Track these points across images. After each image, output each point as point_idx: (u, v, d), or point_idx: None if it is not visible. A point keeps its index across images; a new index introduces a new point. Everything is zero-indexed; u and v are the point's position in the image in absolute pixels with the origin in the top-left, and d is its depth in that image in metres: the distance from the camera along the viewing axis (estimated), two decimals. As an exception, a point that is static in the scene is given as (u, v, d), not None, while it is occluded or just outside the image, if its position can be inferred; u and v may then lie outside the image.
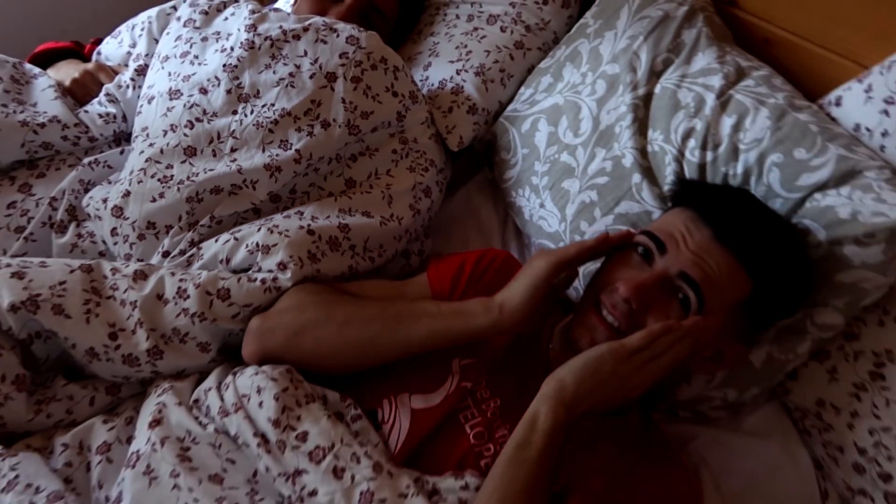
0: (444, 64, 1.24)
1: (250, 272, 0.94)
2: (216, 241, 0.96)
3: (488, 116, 1.22)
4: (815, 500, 0.91)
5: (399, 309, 0.87)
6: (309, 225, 0.96)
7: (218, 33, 1.15)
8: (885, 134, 0.93)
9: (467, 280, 0.96)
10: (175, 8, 1.23)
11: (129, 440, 0.84)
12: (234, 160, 1.02)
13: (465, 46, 1.25)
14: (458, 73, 1.22)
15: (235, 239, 0.95)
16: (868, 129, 0.95)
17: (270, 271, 0.92)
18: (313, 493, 0.73)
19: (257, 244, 0.93)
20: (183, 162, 1.02)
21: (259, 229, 0.95)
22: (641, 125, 1.05)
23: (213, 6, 1.18)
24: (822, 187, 0.89)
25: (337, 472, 0.73)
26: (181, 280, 0.91)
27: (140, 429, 0.83)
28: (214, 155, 1.03)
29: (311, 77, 1.08)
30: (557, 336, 0.92)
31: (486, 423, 0.84)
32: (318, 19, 1.13)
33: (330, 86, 1.08)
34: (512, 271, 0.92)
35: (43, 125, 1.09)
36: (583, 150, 1.08)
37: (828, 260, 0.86)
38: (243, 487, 0.77)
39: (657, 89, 1.06)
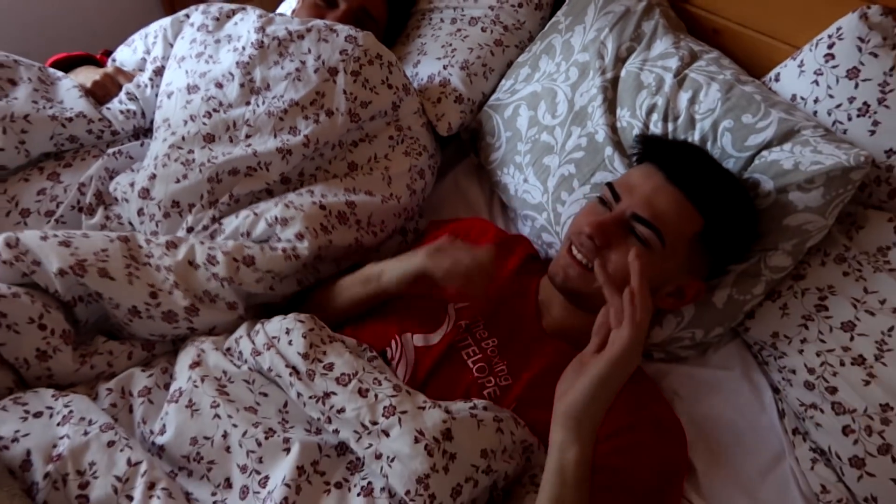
0: (431, 61, 1.37)
1: (270, 242, 1.05)
2: (236, 216, 1.07)
3: (473, 106, 1.35)
4: (773, 418, 1.04)
5: (342, 282, 1.06)
6: (320, 201, 1.07)
7: (229, 36, 1.26)
8: (816, 101, 1.08)
9: None
10: (188, 16, 1.35)
11: (167, 386, 0.94)
12: (250, 145, 1.13)
13: (450, 45, 1.38)
14: (444, 68, 1.35)
15: (255, 214, 1.05)
16: (802, 98, 1.10)
17: (289, 241, 1.03)
18: (341, 410, 0.83)
19: (276, 217, 1.04)
20: (203, 147, 1.13)
21: (276, 204, 1.06)
22: (611, 104, 1.19)
23: (224, 13, 1.30)
24: (767, 146, 1.03)
25: (362, 392, 0.84)
26: (210, 248, 1.01)
27: (180, 370, 0.92)
28: (231, 141, 1.15)
29: (315, 71, 1.20)
30: (544, 286, 1.05)
31: (486, 359, 0.96)
32: (319, 21, 1.26)
33: (332, 79, 1.20)
34: (488, 234, 1.10)
35: (70, 119, 1.19)
36: (560, 129, 1.22)
37: (776, 207, 0.99)
38: (275, 417, 0.87)
39: (623, 73, 1.20)
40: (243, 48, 1.22)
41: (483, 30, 1.40)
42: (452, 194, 1.37)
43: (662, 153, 0.98)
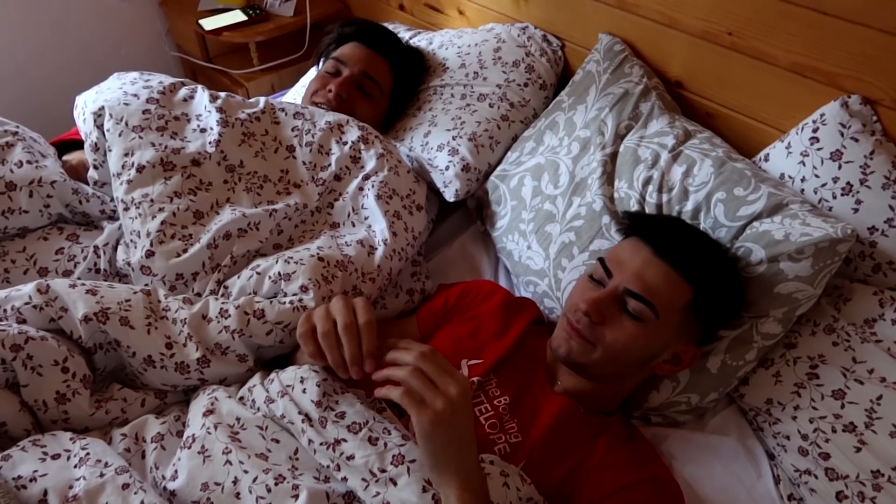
0: (441, 132, 1.46)
1: (278, 297, 1.09)
2: (238, 277, 1.11)
3: (479, 175, 1.42)
4: (769, 484, 1.06)
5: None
6: (318, 253, 1.12)
7: (186, 114, 1.28)
8: (803, 179, 1.16)
9: (449, 311, 1.18)
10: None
11: (179, 434, 0.96)
12: (235, 209, 1.19)
13: (460, 118, 1.47)
14: (453, 138, 1.43)
15: (258, 273, 1.10)
16: (791, 177, 1.17)
17: (295, 294, 1.08)
18: (351, 457, 0.86)
19: (279, 274, 1.08)
20: (194, 223, 1.17)
21: (277, 261, 1.10)
22: (609, 177, 1.26)
23: (167, 86, 1.31)
24: (758, 217, 1.09)
25: (371, 441, 0.87)
26: (223, 303, 1.06)
27: (193, 418, 0.95)
28: (218, 214, 1.19)
29: (275, 152, 1.30)
30: (549, 350, 1.09)
31: (497, 416, 0.99)
32: (269, 104, 1.35)
33: (291, 156, 1.30)
34: (496, 295, 1.15)
35: (88, 198, 1.24)
36: (561, 199, 1.29)
37: (767, 275, 1.04)
38: (285, 464, 0.89)
39: (621, 148, 1.28)
40: (210, 128, 1.26)
41: (490, 105, 1.49)
42: (459, 259, 1.42)
43: (648, 228, 1.04)
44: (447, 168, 1.40)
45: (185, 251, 1.13)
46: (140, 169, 1.19)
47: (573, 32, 1.57)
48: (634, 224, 1.07)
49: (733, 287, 1.04)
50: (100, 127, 1.26)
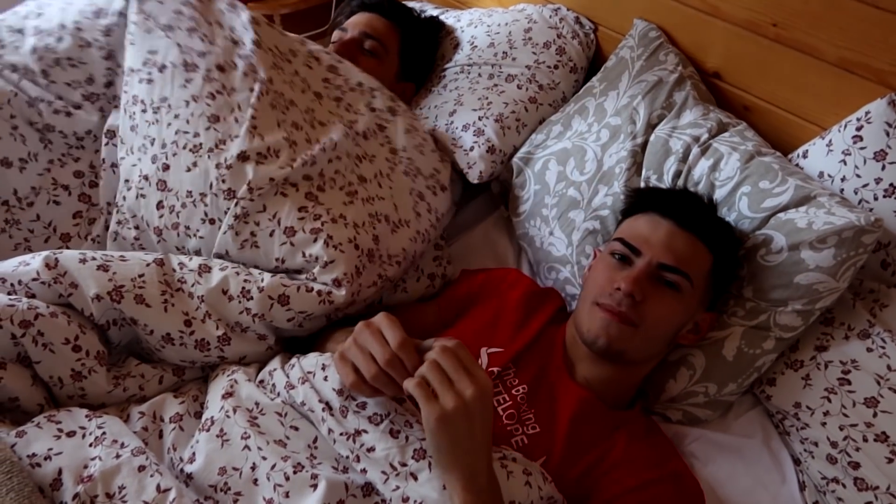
0: (467, 111, 1.41)
1: (305, 278, 1.05)
2: (271, 235, 1.04)
3: (504, 157, 1.39)
4: (794, 490, 1.04)
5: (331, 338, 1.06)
6: (355, 237, 1.07)
7: (220, 23, 1.20)
8: (843, 179, 1.12)
9: (471, 299, 1.16)
10: None
11: (197, 415, 0.94)
12: (255, 127, 1.09)
13: (486, 98, 1.43)
14: (479, 119, 1.39)
15: (292, 245, 1.05)
16: (830, 176, 1.14)
17: (325, 284, 1.03)
18: (371, 449, 0.83)
19: (315, 257, 1.03)
20: (208, 129, 1.08)
21: (315, 239, 1.04)
22: (638, 167, 1.23)
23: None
24: (783, 209, 1.06)
25: (393, 433, 0.84)
26: (245, 281, 1.01)
27: (212, 400, 0.93)
28: (237, 121, 1.10)
29: (301, 92, 1.22)
30: (569, 338, 1.06)
31: (515, 406, 0.97)
32: (305, 48, 1.31)
33: (318, 101, 1.24)
34: (521, 285, 1.13)
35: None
36: (587, 186, 1.25)
37: (788, 263, 1.02)
38: (304, 452, 0.87)
39: (652, 138, 1.24)
40: (243, 42, 1.18)
41: (519, 87, 1.45)
42: (482, 245, 1.39)
43: (662, 202, 1.04)
44: (472, 149, 1.36)
45: (195, 164, 1.07)
46: (160, 68, 1.13)
47: (607, 16, 1.52)
48: (647, 200, 1.07)
49: (737, 248, 1.08)
50: (122, 13, 1.20)
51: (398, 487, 0.81)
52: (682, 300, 0.98)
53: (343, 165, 1.16)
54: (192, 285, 1.01)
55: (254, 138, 1.08)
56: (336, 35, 1.54)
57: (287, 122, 1.13)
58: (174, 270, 1.02)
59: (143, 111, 1.13)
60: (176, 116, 1.10)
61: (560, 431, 0.95)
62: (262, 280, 1.02)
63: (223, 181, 1.05)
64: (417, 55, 1.58)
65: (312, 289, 1.03)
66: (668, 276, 0.97)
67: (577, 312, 1.04)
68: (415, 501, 0.79)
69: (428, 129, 1.40)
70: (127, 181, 1.12)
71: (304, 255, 1.05)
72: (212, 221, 1.07)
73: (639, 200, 1.08)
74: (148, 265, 1.00)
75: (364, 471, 0.84)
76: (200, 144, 1.08)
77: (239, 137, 1.08)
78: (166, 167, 1.09)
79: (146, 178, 1.10)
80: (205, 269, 1.03)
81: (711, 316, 1.06)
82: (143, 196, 1.10)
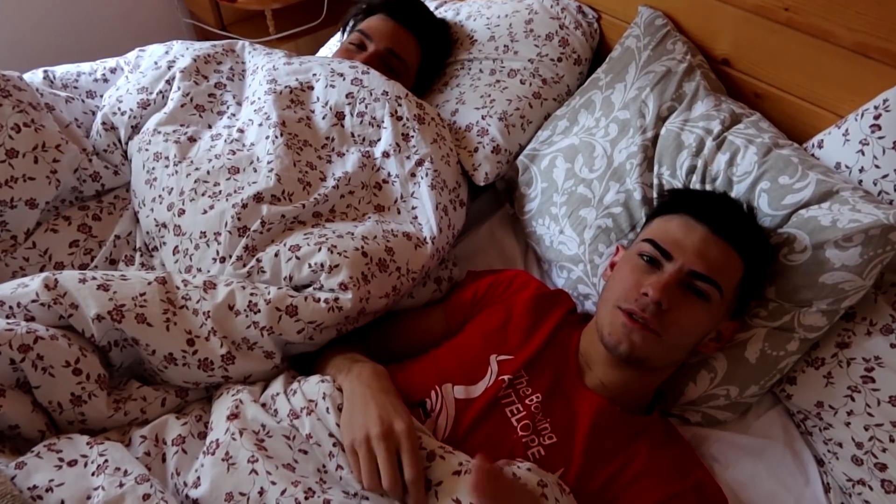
0: (470, 110, 1.38)
1: (312, 289, 1.03)
2: (276, 255, 1.05)
3: (510, 156, 1.35)
4: (818, 492, 1.01)
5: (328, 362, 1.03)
6: (363, 246, 1.06)
7: (247, 97, 1.33)
8: (861, 170, 1.08)
9: (478, 303, 1.12)
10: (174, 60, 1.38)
11: (201, 435, 0.92)
12: (272, 171, 1.14)
13: (489, 96, 1.39)
14: (483, 118, 1.36)
15: (297, 258, 1.04)
16: (847, 167, 1.10)
17: (332, 290, 1.01)
18: (385, 494, 0.81)
19: (320, 265, 1.02)
20: (228, 179, 1.15)
21: (319, 249, 1.03)
22: (649, 163, 1.19)
23: (237, 72, 1.40)
24: (805, 205, 1.02)
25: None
26: (252, 294, 0.99)
27: (217, 421, 0.90)
28: (255, 171, 1.16)
29: (322, 118, 1.26)
30: (585, 341, 1.03)
31: (530, 416, 0.94)
32: (328, 68, 1.31)
33: (340, 123, 1.25)
34: (529, 287, 1.09)
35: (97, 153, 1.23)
36: (598, 183, 1.22)
37: (812, 263, 0.99)
38: (313, 476, 0.85)
39: (663, 131, 1.20)
40: (259, 98, 1.28)
41: (522, 82, 1.41)
42: (487, 245, 1.36)
43: (698, 205, 0.99)
44: (476, 150, 1.32)
45: (211, 207, 1.10)
46: (192, 139, 1.23)
47: (610, 4, 1.47)
48: (682, 201, 1.02)
49: (771, 258, 1.03)
50: (169, 81, 1.32)
51: None
52: (709, 310, 0.94)
53: (357, 199, 1.20)
54: (198, 301, 0.99)
55: (270, 181, 1.12)
56: (356, 38, 1.47)
57: (302, 162, 1.19)
58: (178, 288, 1.00)
59: (166, 166, 1.18)
60: (197, 169, 1.16)
61: (578, 441, 0.93)
62: (269, 293, 1.00)
63: (238, 219, 1.08)
64: (433, 69, 1.54)
65: (320, 299, 1.01)
66: (699, 285, 0.93)
67: (599, 314, 1.00)
68: None
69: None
70: (148, 232, 1.18)
71: (310, 266, 1.03)
72: (222, 260, 1.08)
73: (673, 201, 1.04)
74: (150, 283, 0.98)
75: None
76: (220, 191, 1.13)
77: (257, 182, 1.13)
78: (182, 212, 1.13)
79: (164, 225, 1.13)
80: (210, 286, 1.01)
81: (735, 324, 1.02)
82: (164, 244, 1.14)
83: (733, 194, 1.10)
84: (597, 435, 0.93)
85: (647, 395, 1.03)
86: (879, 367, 0.99)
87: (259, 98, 1.29)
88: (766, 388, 1.07)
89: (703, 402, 1.08)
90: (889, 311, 1.03)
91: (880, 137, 1.06)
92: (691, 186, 1.14)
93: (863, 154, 1.08)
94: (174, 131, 1.24)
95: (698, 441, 1.07)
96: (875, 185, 1.06)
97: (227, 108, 1.34)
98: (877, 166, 1.06)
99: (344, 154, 1.25)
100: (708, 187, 1.13)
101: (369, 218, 1.17)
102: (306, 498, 0.80)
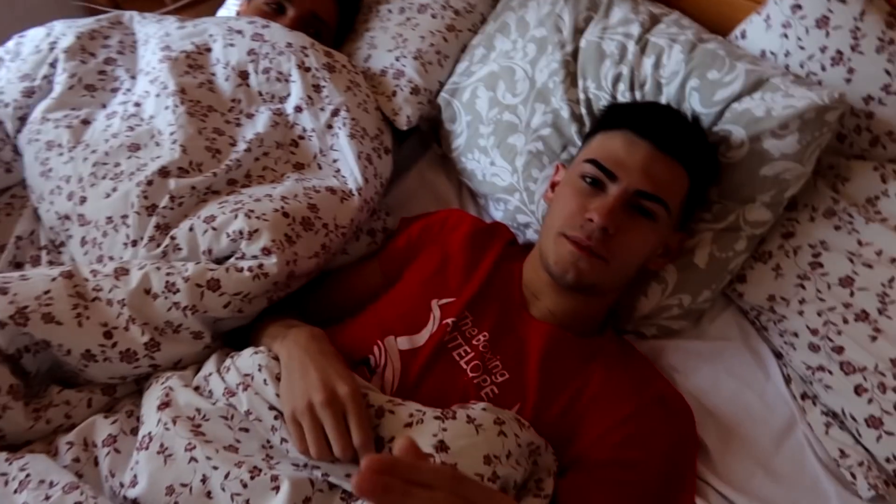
0: (383, 53, 1.30)
1: (234, 259, 0.97)
2: (191, 230, 0.97)
3: (430, 95, 1.28)
4: (779, 385, 1.00)
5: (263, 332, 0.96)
6: (283, 207, 0.99)
7: (141, 69, 1.23)
8: (787, 54, 1.05)
9: (412, 249, 1.07)
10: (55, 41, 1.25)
11: (134, 431, 0.85)
12: (175, 141, 1.06)
13: (401, 35, 1.31)
14: (397, 59, 1.28)
15: (213, 229, 0.96)
16: (773, 53, 1.06)
17: (255, 257, 0.95)
18: (334, 461, 0.76)
19: (239, 232, 0.95)
20: (129, 157, 1.06)
21: (236, 215, 0.96)
22: (573, 78, 1.14)
23: (126, 44, 1.28)
24: (737, 98, 0.99)
25: None
26: (168, 274, 0.92)
27: (148, 413, 0.84)
28: (158, 145, 1.08)
29: (225, 80, 1.17)
30: (529, 270, 0.99)
31: (479, 357, 0.90)
32: (224, 27, 1.22)
33: (245, 83, 1.17)
34: (464, 224, 1.04)
35: None
36: (523, 107, 1.16)
37: (751, 157, 0.96)
38: (258, 454, 0.80)
39: (582, 44, 1.15)
40: (153, 68, 1.19)
41: (433, 16, 1.33)
42: (419, 189, 1.30)
43: (640, 119, 0.94)
44: (394, 93, 1.25)
45: (115, 190, 1.02)
46: (84, 122, 1.13)
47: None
48: (623, 116, 0.97)
49: (717, 174, 1.00)
50: (52, 64, 1.21)
51: None
52: (656, 228, 0.91)
53: (273, 159, 1.12)
54: (110, 291, 0.91)
55: (175, 153, 1.05)
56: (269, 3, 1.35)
57: (208, 129, 1.11)
58: (86, 280, 0.92)
59: (60, 154, 1.09)
60: (93, 151, 1.07)
61: (531, 373, 0.89)
62: (187, 270, 0.93)
63: (145, 197, 1.00)
64: (349, 24, 1.44)
65: (243, 268, 0.94)
66: (645, 204, 0.89)
67: (543, 242, 0.96)
68: None
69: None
70: (52, 228, 1.08)
71: (228, 235, 0.96)
72: (134, 243, 1.00)
73: (613, 116, 0.98)
74: (54, 280, 0.90)
75: (326, 474, 0.77)
76: (121, 171, 1.04)
77: (160, 156, 1.05)
78: (83, 200, 1.04)
79: (67, 217, 1.04)
80: (122, 272, 0.93)
81: (682, 235, 1.00)
82: (70, 237, 1.05)
83: (663, 97, 1.06)
84: (548, 364, 0.90)
85: (597, 317, 1.00)
86: (826, 252, 0.98)
87: (154, 68, 1.19)
88: (718, 291, 1.05)
89: (657, 315, 1.05)
90: (830, 193, 1.01)
91: (802, 17, 1.03)
92: (619, 96, 1.10)
93: (786, 37, 1.05)
94: (65, 116, 1.14)
95: (656, 353, 1.05)
96: (802, 67, 1.03)
97: (121, 83, 1.23)
98: (801, 48, 1.03)
99: (253, 115, 1.16)
100: (637, 95, 1.09)
101: (289, 178, 1.10)
102: (252, 478, 0.75)
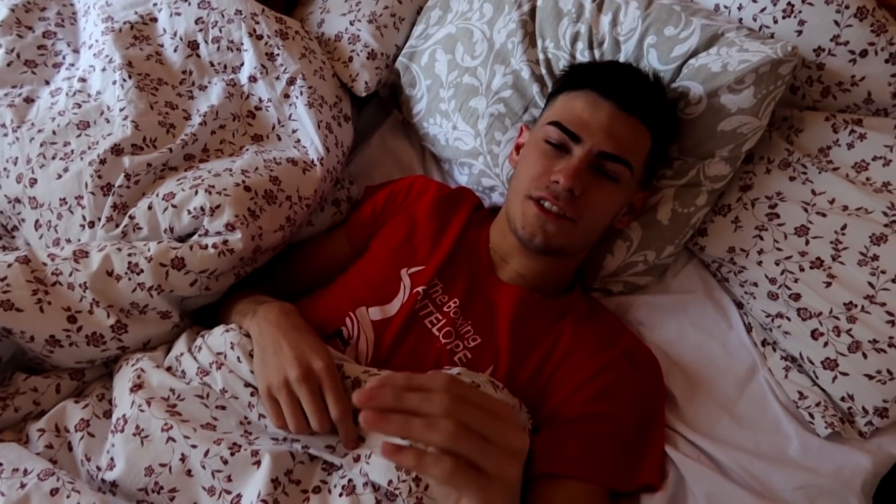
0: (336, 18, 1.27)
1: (197, 237, 0.95)
2: (150, 208, 0.95)
3: (388, 60, 1.26)
4: (741, 334, 1.04)
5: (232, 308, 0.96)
6: (244, 181, 0.97)
7: (83, 42, 1.19)
8: (740, 7, 1.05)
9: (378, 218, 1.07)
10: None
11: (107, 415, 0.84)
12: (126, 117, 1.03)
13: (354, -1, 1.28)
14: (351, 23, 1.25)
15: (174, 207, 0.94)
16: (726, 7, 1.07)
17: (219, 233, 0.94)
18: (313, 433, 0.77)
19: (200, 208, 0.93)
20: (78, 136, 1.02)
21: (196, 192, 0.94)
22: (531, 38, 1.13)
23: (65, 16, 1.23)
24: (693, 53, 1.00)
25: None
26: (130, 255, 0.90)
27: (120, 396, 0.83)
28: (108, 122, 1.04)
29: (174, 51, 1.14)
30: (496, 234, 1.00)
31: (451, 323, 0.91)
32: None
33: (195, 53, 1.14)
34: (429, 190, 1.04)
35: None
36: (482, 69, 1.15)
37: (709, 112, 0.98)
38: (237, 430, 0.80)
39: (539, 2, 1.14)
40: (97, 41, 1.14)
41: (386, -24, 1.30)
42: (382, 156, 1.29)
43: (602, 80, 0.94)
44: (350, 59, 1.22)
45: (66, 170, 0.99)
46: (26, 100, 1.09)
47: None
48: (585, 76, 0.96)
49: (678, 131, 1.01)
50: None
51: (347, 453, 0.76)
52: (620, 189, 0.93)
53: (230, 132, 1.10)
54: (71, 274, 0.89)
55: (126, 129, 1.01)
56: None
57: (160, 104, 1.08)
58: (44, 264, 0.90)
59: (4, 135, 1.05)
60: (40, 131, 1.03)
61: (502, 335, 0.91)
62: (149, 249, 0.91)
63: (99, 176, 0.97)
64: None
65: (207, 245, 0.92)
66: (609, 167, 0.90)
67: (510, 206, 0.96)
68: (365, 455, 0.74)
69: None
70: (2, 212, 1.06)
71: (189, 212, 0.94)
72: (91, 224, 0.97)
73: (576, 76, 0.98)
74: (10, 266, 0.87)
75: (306, 446, 0.77)
76: (72, 151, 1.01)
77: (112, 134, 1.02)
78: (34, 182, 1.00)
79: (17, 200, 1.02)
80: (81, 255, 0.91)
81: (645, 193, 1.02)
82: (23, 221, 1.02)
83: (621, 55, 1.07)
84: (519, 325, 0.91)
85: (566, 277, 1.01)
86: (782, 202, 1.01)
87: (97, 41, 1.14)
88: (681, 246, 1.08)
89: (623, 272, 1.07)
90: (784, 145, 1.04)
91: (753, -31, 1.03)
92: (578, 55, 1.09)
93: (739, -12, 1.05)
94: (6, 94, 1.09)
95: (623, 309, 1.07)
96: (755, 20, 1.04)
97: (64, 58, 1.18)
98: (754, 1, 1.04)
99: (206, 86, 1.13)
100: (596, 53, 1.08)
101: (247, 150, 1.08)
102: (232, 454, 0.75)
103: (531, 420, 0.86)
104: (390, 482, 0.71)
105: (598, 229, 0.98)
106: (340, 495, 0.73)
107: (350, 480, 0.74)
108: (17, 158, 1.02)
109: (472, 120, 1.15)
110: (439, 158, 1.26)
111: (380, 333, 0.90)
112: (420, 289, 0.92)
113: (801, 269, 0.96)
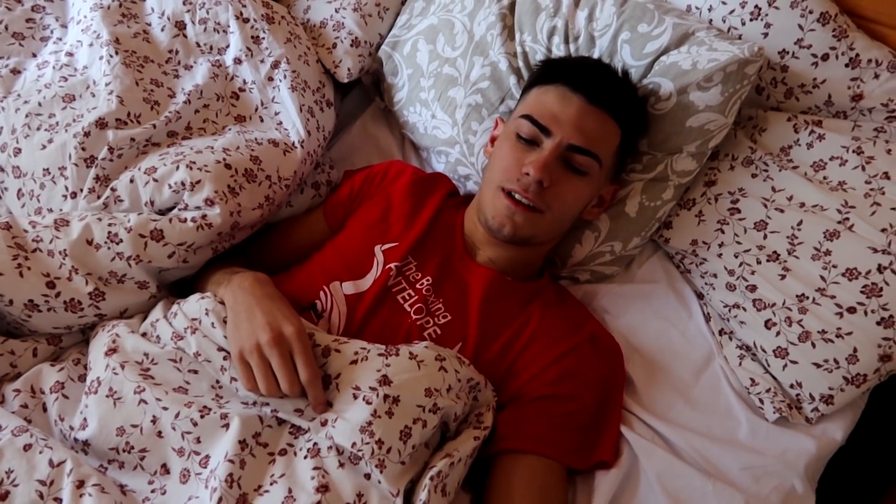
0: (322, 5, 1.29)
1: (177, 210, 0.97)
2: (131, 181, 0.97)
3: (371, 48, 1.29)
4: (700, 323, 1.08)
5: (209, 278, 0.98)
6: (225, 159, 1.00)
7: (71, 17, 1.20)
8: (710, 9, 1.09)
9: (355, 199, 1.09)
10: None
11: (81, 378, 0.87)
12: (111, 92, 1.05)
13: (340, -14, 1.31)
14: (336, 11, 1.28)
15: (155, 181, 0.97)
16: (697, 8, 1.11)
17: (198, 208, 0.96)
18: (283, 396, 0.80)
19: (181, 183, 0.96)
20: (64, 108, 1.04)
21: (177, 167, 0.97)
22: (510, 31, 1.17)
23: None
24: (665, 51, 1.04)
25: None
26: (110, 225, 0.92)
27: (95, 360, 0.86)
28: (94, 96, 1.06)
29: (161, 30, 1.16)
30: (469, 222, 1.03)
31: (422, 300, 0.94)
32: None
33: (181, 34, 1.16)
34: (405, 175, 1.07)
35: None
36: (462, 60, 1.19)
37: (678, 109, 1.01)
38: (208, 394, 0.82)
39: (519, -3, 1.18)
40: (84, 17, 1.16)
41: (372, -33, 1.33)
42: (362, 142, 1.32)
43: (573, 75, 0.97)
44: (335, 46, 1.25)
45: (50, 141, 1.01)
46: (12, 71, 1.11)
47: None
48: (557, 71, 1.00)
49: (645, 125, 1.04)
50: None
51: (315, 417, 0.79)
52: (589, 182, 0.96)
53: (214, 112, 1.12)
54: (51, 242, 0.91)
55: (111, 104, 1.03)
56: None
57: (145, 80, 1.09)
58: (25, 231, 0.92)
59: None
60: (26, 102, 1.05)
61: (472, 314, 0.94)
62: (129, 220, 0.94)
63: (83, 149, 0.99)
64: None
65: (186, 218, 0.95)
66: (578, 159, 0.93)
67: (482, 196, 1.00)
68: (332, 420, 0.77)
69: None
70: None
71: (170, 186, 0.97)
72: (73, 195, 0.99)
73: (548, 71, 1.01)
74: None
75: (275, 410, 0.80)
76: (57, 123, 1.03)
77: (97, 108, 1.03)
78: (18, 151, 1.03)
79: (1, 169, 1.03)
80: (62, 223, 0.93)
81: (615, 187, 1.05)
82: (6, 189, 1.04)
83: (596, 50, 1.10)
84: (489, 305, 0.94)
85: (535, 263, 1.05)
86: (743, 198, 1.05)
87: (85, 16, 1.16)
88: (647, 238, 1.12)
89: (591, 261, 1.11)
90: (748, 143, 1.08)
91: (724, -27, 1.07)
92: (554, 49, 1.13)
93: (710, -10, 1.09)
94: None
95: (589, 297, 1.11)
96: (724, 21, 1.08)
97: (51, 32, 1.20)
98: (723, 2, 1.08)
99: (192, 66, 1.16)
100: (571, 47, 1.12)
101: (230, 130, 1.10)
102: (202, 416, 0.78)
103: (496, 398, 0.90)
104: (354, 444, 0.74)
105: (567, 220, 1.01)
106: (305, 458, 0.76)
107: (315, 444, 0.77)
108: (1, 128, 1.04)
109: (451, 109, 1.18)
110: (418, 146, 1.30)
111: (352, 307, 0.93)
112: (393, 265, 0.96)
113: (759, 262, 1.01)
